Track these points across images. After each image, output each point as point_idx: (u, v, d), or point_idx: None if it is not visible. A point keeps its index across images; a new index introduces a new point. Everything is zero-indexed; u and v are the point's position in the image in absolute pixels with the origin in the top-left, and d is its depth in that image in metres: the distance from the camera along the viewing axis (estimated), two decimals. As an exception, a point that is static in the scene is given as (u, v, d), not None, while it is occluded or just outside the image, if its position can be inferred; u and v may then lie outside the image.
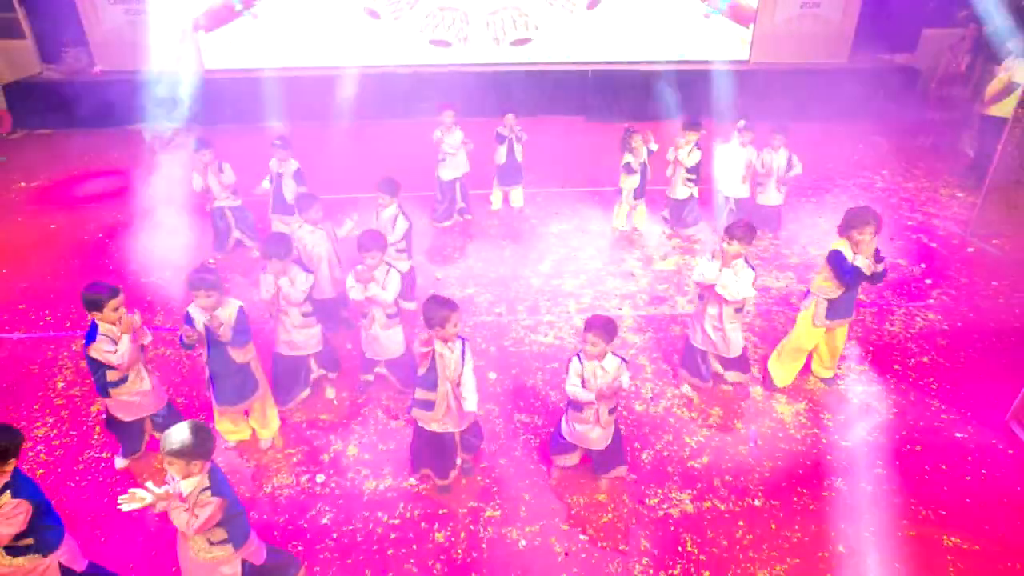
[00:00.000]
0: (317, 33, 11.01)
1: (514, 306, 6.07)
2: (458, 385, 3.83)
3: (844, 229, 4.43)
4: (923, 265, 6.72)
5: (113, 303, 3.80)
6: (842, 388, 5.07)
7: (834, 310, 4.61)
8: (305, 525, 4.00)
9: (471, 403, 3.86)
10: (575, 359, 3.86)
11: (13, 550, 3.01)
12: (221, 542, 3.12)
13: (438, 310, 3.66)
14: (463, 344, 3.85)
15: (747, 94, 10.37)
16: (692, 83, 10.70)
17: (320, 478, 4.32)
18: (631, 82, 11.03)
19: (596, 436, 3.94)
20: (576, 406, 3.89)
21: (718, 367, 4.94)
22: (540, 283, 6.43)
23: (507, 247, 7.12)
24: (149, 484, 2.92)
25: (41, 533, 3.05)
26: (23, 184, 8.88)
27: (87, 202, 8.33)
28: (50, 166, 9.49)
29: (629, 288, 6.35)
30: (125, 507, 2.84)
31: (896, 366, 5.30)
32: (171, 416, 4.21)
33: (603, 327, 3.69)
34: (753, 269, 4.49)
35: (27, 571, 3.06)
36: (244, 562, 3.26)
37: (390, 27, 11.05)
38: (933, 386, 5.08)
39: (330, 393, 4.99)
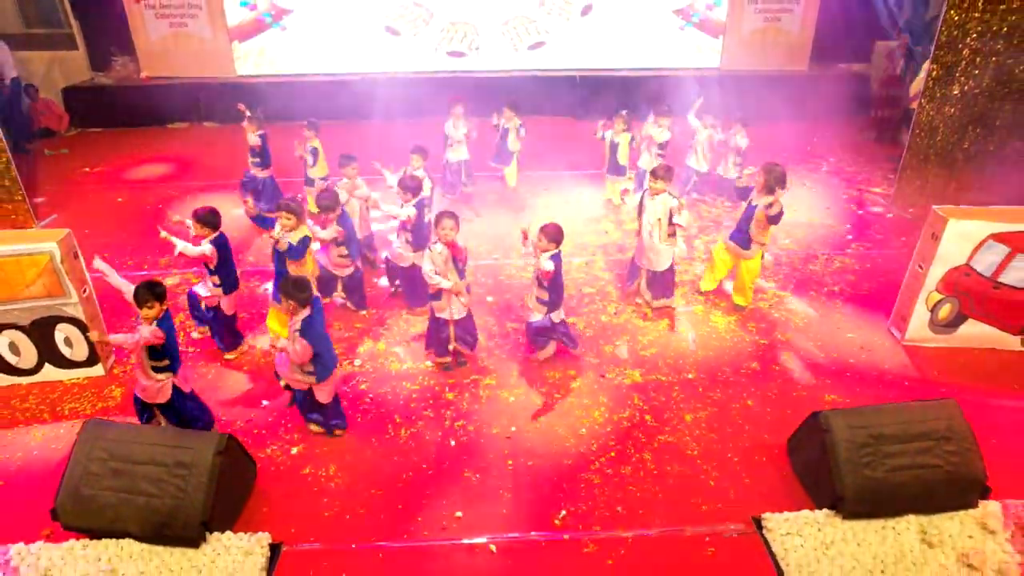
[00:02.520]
0: (339, 43, 12.51)
1: (508, 253, 7.43)
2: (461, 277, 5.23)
3: None
4: (848, 225, 8.11)
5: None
6: (766, 308, 6.42)
7: (731, 232, 6.12)
8: (347, 390, 5.32)
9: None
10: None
11: (157, 369, 4.37)
12: (308, 373, 4.49)
13: (442, 218, 5.04)
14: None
15: (717, 96, 11.78)
16: (669, 87, 12.13)
17: (358, 362, 5.66)
18: (616, 86, 12.48)
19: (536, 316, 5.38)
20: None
21: (648, 297, 6.33)
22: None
23: (503, 213, 8.48)
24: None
25: (172, 358, 4.45)
26: (87, 169, 10.30)
27: (144, 182, 9.75)
28: (106, 156, 10.90)
29: (602, 241, 7.72)
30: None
31: (812, 292, 6.66)
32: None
33: (552, 232, 5.11)
34: (677, 199, 5.92)
35: (160, 382, 4.43)
36: (311, 390, 4.59)
37: (407, 40, 12.55)
38: (838, 305, 6.43)
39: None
